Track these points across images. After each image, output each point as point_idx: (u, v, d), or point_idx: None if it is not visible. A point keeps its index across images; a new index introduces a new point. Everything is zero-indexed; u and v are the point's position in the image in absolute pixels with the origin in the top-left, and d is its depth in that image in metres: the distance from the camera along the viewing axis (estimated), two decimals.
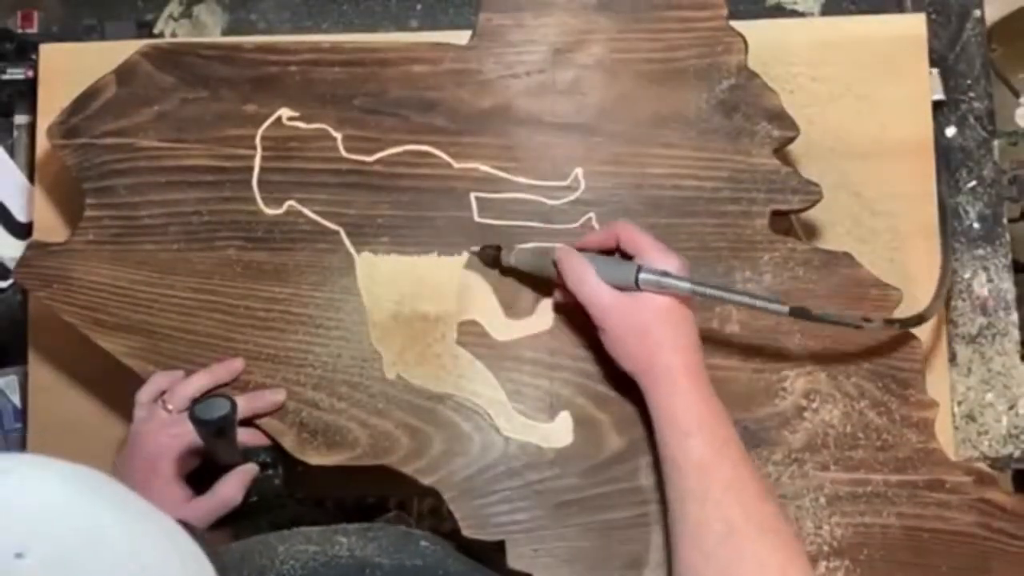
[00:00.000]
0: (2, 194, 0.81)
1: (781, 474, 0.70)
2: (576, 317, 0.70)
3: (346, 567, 0.58)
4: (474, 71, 0.74)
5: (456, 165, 0.73)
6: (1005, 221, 0.84)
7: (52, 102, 0.78)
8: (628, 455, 0.69)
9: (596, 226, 0.73)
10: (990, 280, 0.83)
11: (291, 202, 0.73)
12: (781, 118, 0.73)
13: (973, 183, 0.84)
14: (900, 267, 0.78)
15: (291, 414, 0.71)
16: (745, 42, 0.74)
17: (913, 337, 0.71)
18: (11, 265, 0.82)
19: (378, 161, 0.73)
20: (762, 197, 0.72)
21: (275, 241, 0.73)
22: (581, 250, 0.67)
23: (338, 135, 0.74)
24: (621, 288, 0.64)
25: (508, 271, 0.72)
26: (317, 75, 0.74)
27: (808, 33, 0.81)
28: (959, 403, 0.82)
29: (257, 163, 0.74)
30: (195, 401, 0.60)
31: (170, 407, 0.68)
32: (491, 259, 0.72)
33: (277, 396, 0.71)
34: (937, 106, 0.81)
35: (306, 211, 0.73)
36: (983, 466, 0.70)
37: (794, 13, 0.87)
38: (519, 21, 0.74)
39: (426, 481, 0.69)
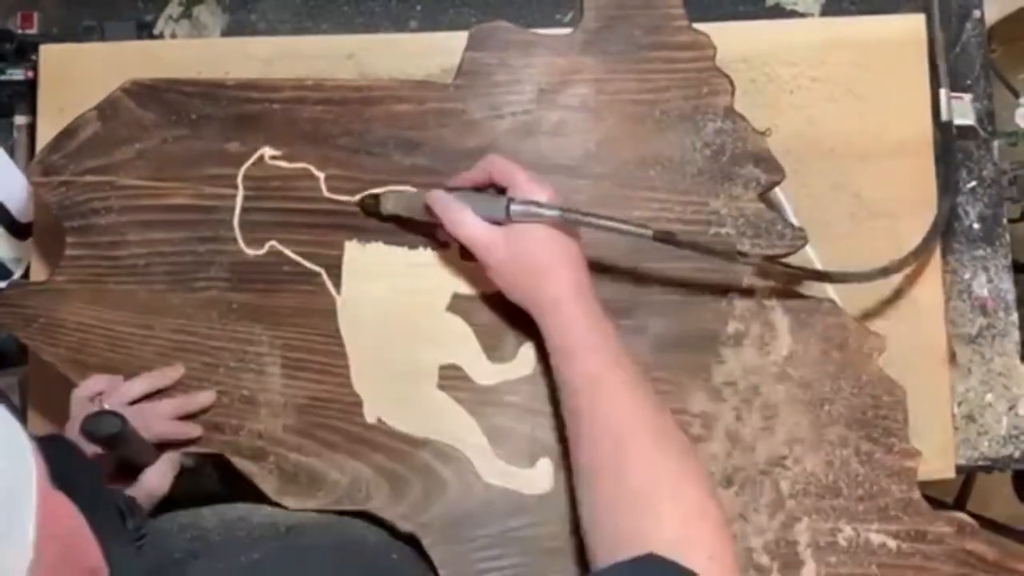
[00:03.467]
0: (2, 194, 0.80)
1: (763, 521, 0.69)
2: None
3: (261, 523, 0.61)
4: (458, 111, 0.73)
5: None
6: (1005, 221, 0.84)
7: (52, 103, 0.78)
8: None
9: None
10: (990, 280, 0.83)
11: (273, 242, 0.73)
12: (767, 161, 0.72)
13: (973, 183, 0.84)
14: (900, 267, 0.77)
15: (270, 457, 0.70)
16: (732, 84, 0.73)
17: (897, 387, 0.71)
18: (11, 265, 0.82)
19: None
20: (748, 241, 0.72)
21: (256, 282, 0.72)
22: (455, 188, 0.68)
23: (321, 175, 0.73)
24: (499, 223, 0.65)
25: (390, 219, 0.72)
26: (300, 113, 0.74)
27: (808, 33, 0.80)
28: (959, 403, 0.81)
29: (239, 203, 0.73)
30: (87, 415, 0.61)
31: (105, 406, 0.69)
32: (371, 208, 0.72)
33: (205, 398, 0.71)
34: (967, 131, 0.81)
35: (288, 252, 0.73)
36: (965, 516, 0.69)
37: (794, 13, 0.86)
38: (504, 61, 0.74)
39: (405, 527, 0.69)
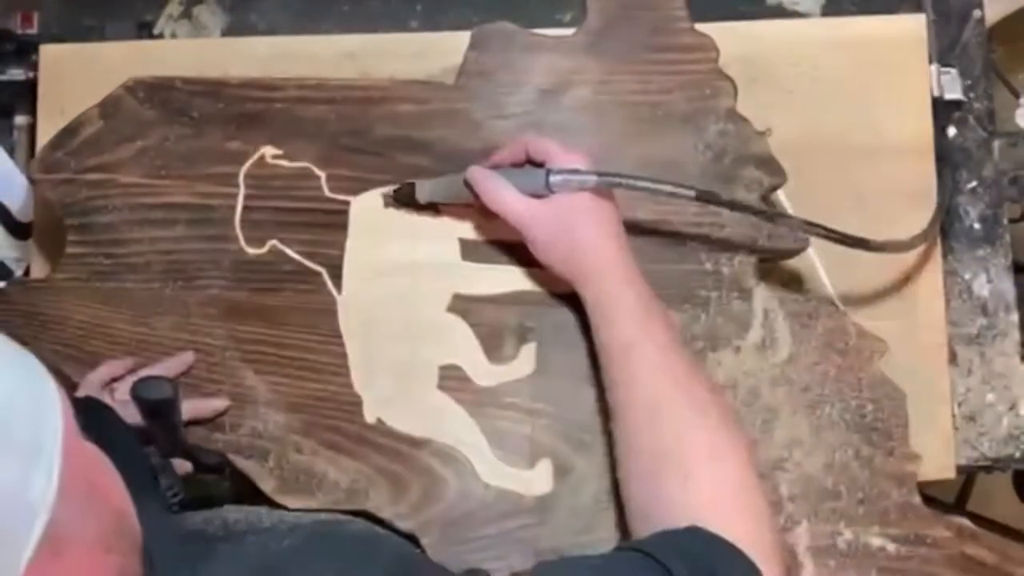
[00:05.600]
0: (2, 194, 0.80)
1: None
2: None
3: (309, 525, 0.60)
4: (460, 111, 0.73)
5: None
6: (1005, 222, 0.84)
7: (52, 103, 0.78)
8: (609, 504, 0.69)
9: None
10: (990, 281, 0.82)
11: (274, 242, 0.73)
12: (769, 164, 0.72)
13: (973, 183, 0.83)
14: (900, 267, 0.77)
15: (270, 457, 0.70)
16: (734, 86, 0.73)
17: (897, 390, 0.71)
18: (11, 265, 0.82)
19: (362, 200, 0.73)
20: (749, 243, 0.72)
21: (257, 281, 0.72)
22: (493, 168, 0.68)
23: (322, 174, 0.73)
24: (538, 196, 0.66)
25: (426, 207, 0.72)
26: (302, 113, 0.74)
27: (808, 33, 0.80)
28: (959, 404, 0.81)
29: (240, 201, 0.73)
30: (139, 380, 0.61)
31: (116, 395, 0.69)
32: (407, 198, 0.72)
33: (219, 403, 0.71)
34: (953, 106, 0.81)
35: (288, 251, 0.73)
36: (964, 520, 0.70)
37: (794, 13, 0.86)
38: (506, 61, 0.74)
39: (404, 526, 0.69)
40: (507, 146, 0.69)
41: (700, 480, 0.57)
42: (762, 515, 0.57)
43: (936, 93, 0.79)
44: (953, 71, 0.81)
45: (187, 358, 0.71)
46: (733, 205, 0.67)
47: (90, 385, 0.70)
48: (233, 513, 0.62)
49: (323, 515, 0.68)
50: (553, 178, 0.65)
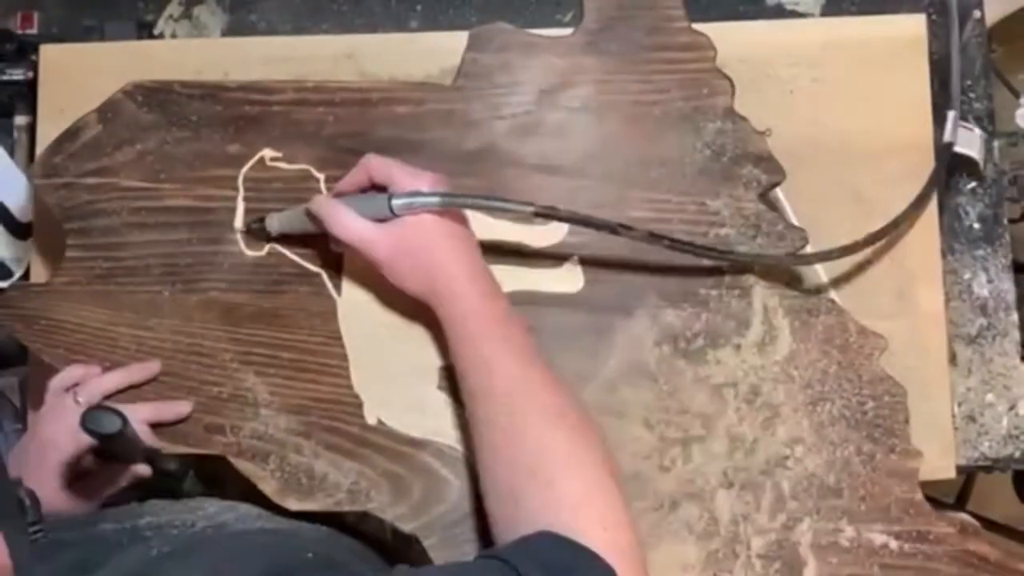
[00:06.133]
0: (2, 194, 0.80)
1: (764, 521, 0.69)
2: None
3: (200, 531, 0.61)
4: (459, 112, 0.73)
5: None
6: (1005, 221, 0.84)
7: (52, 103, 0.78)
8: None
9: (579, 268, 0.72)
10: (990, 281, 0.82)
11: (273, 244, 0.73)
12: (768, 162, 0.72)
13: (973, 184, 0.83)
14: (900, 267, 0.77)
15: (271, 459, 0.70)
16: (732, 85, 0.73)
17: (898, 387, 0.71)
18: (11, 265, 0.82)
19: None
20: (748, 242, 0.72)
21: (257, 283, 0.72)
22: (339, 195, 0.68)
23: (321, 176, 0.73)
24: (384, 221, 0.65)
25: (280, 239, 0.72)
26: (300, 115, 0.74)
27: (808, 33, 0.80)
28: (959, 404, 0.81)
29: (240, 204, 0.73)
30: (89, 409, 0.61)
31: (80, 399, 0.69)
32: (261, 233, 0.72)
33: (182, 407, 0.71)
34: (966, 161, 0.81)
35: (288, 253, 0.73)
36: (967, 517, 0.70)
37: (794, 13, 0.86)
38: (505, 62, 0.74)
39: (406, 527, 0.69)
40: (350, 172, 0.69)
41: (559, 487, 0.57)
42: (620, 518, 0.57)
43: (948, 139, 0.78)
44: (977, 130, 0.80)
45: (152, 367, 0.71)
46: (574, 219, 0.66)
47: (54, 388, 0.70)
48: (149, 517, 0.62)
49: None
50: (395, 201, 0.64)
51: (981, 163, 0.81)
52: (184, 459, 0.71)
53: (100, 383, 0.70)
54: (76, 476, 0.68)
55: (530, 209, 0.64)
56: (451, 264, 0.65)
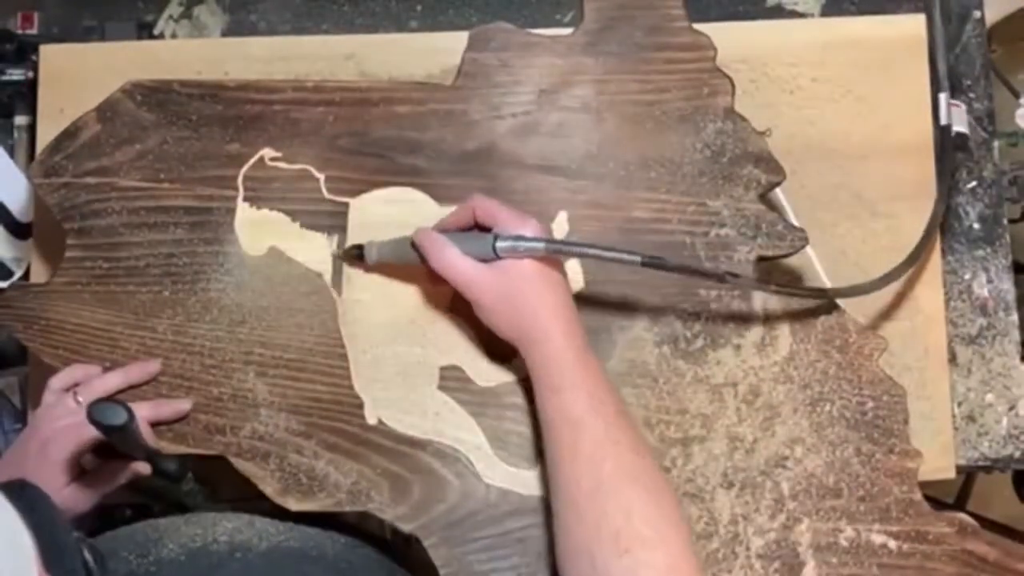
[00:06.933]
0: (2, 194, 0.80)
1: (763, 521, 0.69)
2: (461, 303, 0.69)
3: (219, 551, 0.60)
4: (459, 112, 0.73)
5: (439, 207, 0.73)
6: (1005, 222, 0.84)
7: (52, 103, 0.78)
8: None
9: (579, 268, 0.72)
10: (990, 281, 0.83)
11: (273, 243, 0.73)
12: (768, 162, 0.72)
13: (973, 184, 0.84)
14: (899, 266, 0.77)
15: (271, 459, 0.70)
16: (732, 85, 0.73)
17: (898, 387, 0.71)
18: (11, 265, 0.82)
19: (361, 203, 0.73)
20: (748, 242, 0.72)
21: (257, 283, 0.72)
22: (441, 232, 0.68)
23: (321, 176, 0.73)
24: (485, 260, 0.65)
25: (375, 268, 0.72)
26: (300, 115, 0.74)
27: (808, 33, 0.80)
28: (959, 404, 0.81)
29: (240, 204, 0.73)
30: (96, 401, 0.61)
31: (80, 399, 0.69)
32: (355, 259, 0.72)
33: (182, 405, 0.71)
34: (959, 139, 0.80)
35: (288, 253, 0.73)
36: (966, 517, 0.69)
37: (794, 13, 0.86)
38: (504, 62, 0.74)
39: (406, 528, 0.69)
40: (455, 210, 0.69)
41: (642, 556, 0.57)
42: None
43: (944, 122, 0.78)
44: (963, 107, 0.80)
45: (152, 367, 0.71)
46: (682, 269, 0.66)
47: (54, 388, 0.71)
48: (148, 536, 0.62)
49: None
50: (500, 244, 0.64)
51: (970, 136, 0.81)
52: (183, 460, 0.71)
53: (100, 383, 0.70)
54: (76, 475, 0.68)
55: (637, 260, 0.63)
56: (548, 315, 0.64)
